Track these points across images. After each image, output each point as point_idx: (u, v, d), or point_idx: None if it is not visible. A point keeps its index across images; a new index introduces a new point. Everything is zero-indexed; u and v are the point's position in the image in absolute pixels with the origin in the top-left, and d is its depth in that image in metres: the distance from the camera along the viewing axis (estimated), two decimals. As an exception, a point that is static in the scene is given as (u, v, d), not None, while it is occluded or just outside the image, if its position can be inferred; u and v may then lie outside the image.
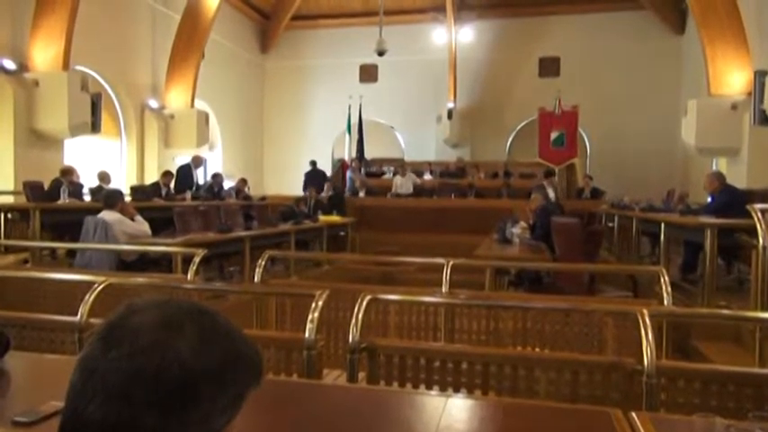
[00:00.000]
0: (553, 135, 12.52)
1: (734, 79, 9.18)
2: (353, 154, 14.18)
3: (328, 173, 14.57)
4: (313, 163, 13.07)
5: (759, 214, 3.79)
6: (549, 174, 10.39)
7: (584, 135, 14.03)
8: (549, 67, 14.85)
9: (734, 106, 9.09)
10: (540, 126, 12.81)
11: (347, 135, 14.36)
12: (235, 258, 6.74)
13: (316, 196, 10.40)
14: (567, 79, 14.27)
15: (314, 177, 12.34)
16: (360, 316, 2.09)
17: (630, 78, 14.17)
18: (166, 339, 0.61)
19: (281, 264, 7.13)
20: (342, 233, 9.62)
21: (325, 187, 11.20)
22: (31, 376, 1.67)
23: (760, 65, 8.20)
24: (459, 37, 14.75)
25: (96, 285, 2.43)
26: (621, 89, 14.19)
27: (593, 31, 14.37)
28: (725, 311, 3.82)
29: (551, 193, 9.42)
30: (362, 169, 13.77)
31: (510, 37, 15.01)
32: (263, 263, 3.73)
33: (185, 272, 3.85)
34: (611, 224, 8.53)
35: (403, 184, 11.89)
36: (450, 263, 3.35)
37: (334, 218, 9.44)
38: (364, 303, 2.16)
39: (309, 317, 2.09)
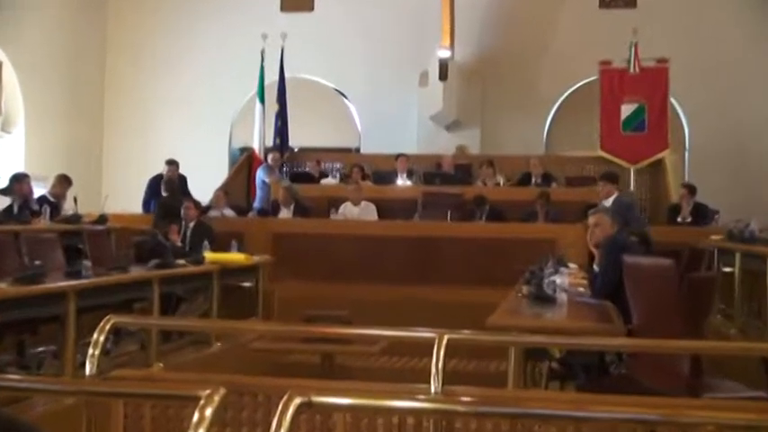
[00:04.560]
0: (626, 110, 12.78)
1: None
2: (269, 140, 14.24)
3: (223, 172, 14.47)
4: (171, 163, 12.55)
5: None
6: (608, 177, 10.35)
7: (679, 111, 14.39)
8: (618, -9, 15.28)
9: None
10: (602, 94, 13.06)
11: (258, 106, 14.40)
12: (49, 330, 6.62)
13: (196, 216, 10.25)
14: (648, 12, 14.66)
15: (162, 199, 11.60)
16: (281, 435, 2.06)
17: (755, 14, 14.61)
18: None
19: (134, 339, 7.01)
20: (247, 284, 9.53)
21: (183, 214, 10.17)
22: None
23: None
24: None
25: None
26: (741, 32, 14.62)
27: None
28: None
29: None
30: (285, 167, 13.72)
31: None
32: (102, 338, 3.66)
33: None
34: (728, 269, 8.68)
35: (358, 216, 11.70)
36: (445, 338, 3.36)
37: (234, 256, 9.37)
38: (289, 412, 2.13)
39: (188, 437, 2.05)
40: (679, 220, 11.32)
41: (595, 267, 6.32)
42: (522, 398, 3.64)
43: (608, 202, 9.39)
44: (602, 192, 9.83)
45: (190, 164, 13.03)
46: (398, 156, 13.76)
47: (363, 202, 11.57)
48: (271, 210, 11.90)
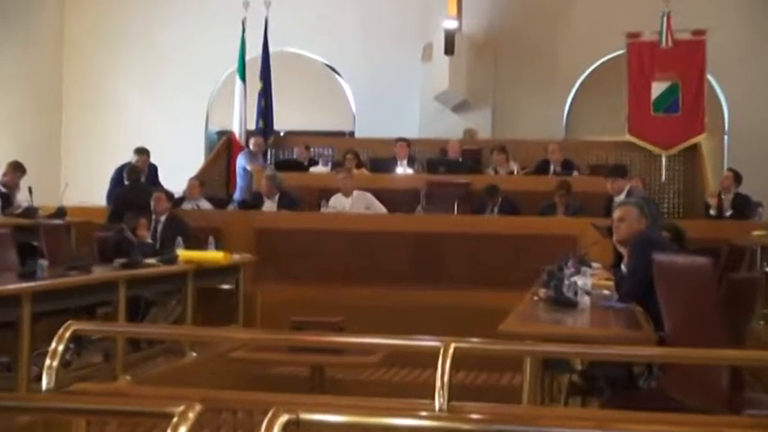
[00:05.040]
0: (657, 88, 12.76)
1: None
2: (251, 123, 14.25)
3: (198, 158, 14.44)
4: (141, 152, 12.48)
5: None
6: (616, 172, 10.49)
7: (717, 90, 14.40)
8: (649, -47, 15.26)
9: None
10: (631, 71, 13.04)
11: (239, 84, 14.41)
12: (0, 338, 6.62)
13: (167, 209, 10.22)
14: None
15: (120, 190, 11.55)
16: (265, 457, 2.08)
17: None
18: None
19: (98, 349, 7.01)
20: (226, 286, 9.54)
21: (151, 204, 10.19)
22: None
23: None
24: None
25: None
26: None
27: None
28: None
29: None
30: (270, 154, 13.70)
31: None
32: (61, 347, 3.67)
33: None
34: (774, 269, 8.69)
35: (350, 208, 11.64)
36: (452, 348, 3.36)
37: (212, 255, 9.37)
38: (274, 431, 2.14)
39: (160, 459, 2.07)
40: (712, 213, 11.18)
41: (623, 267, 6.33)
42: (538, 415, 3.64)
43: (619, 199, 9.43)
44: (611, 188, 9.87)
45: (161, 149, 13.02)
46: (398, 140, 13.71)
47: (356, 192, 11.45)
48: (253, 202, 11.88)
